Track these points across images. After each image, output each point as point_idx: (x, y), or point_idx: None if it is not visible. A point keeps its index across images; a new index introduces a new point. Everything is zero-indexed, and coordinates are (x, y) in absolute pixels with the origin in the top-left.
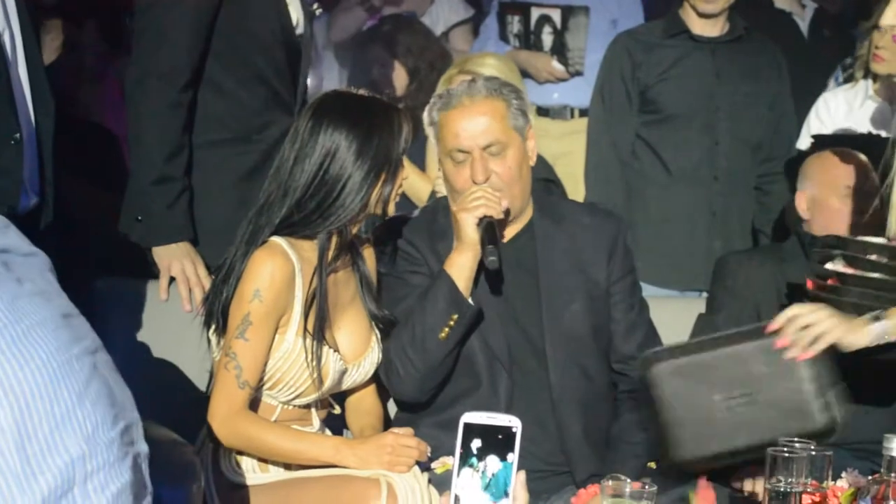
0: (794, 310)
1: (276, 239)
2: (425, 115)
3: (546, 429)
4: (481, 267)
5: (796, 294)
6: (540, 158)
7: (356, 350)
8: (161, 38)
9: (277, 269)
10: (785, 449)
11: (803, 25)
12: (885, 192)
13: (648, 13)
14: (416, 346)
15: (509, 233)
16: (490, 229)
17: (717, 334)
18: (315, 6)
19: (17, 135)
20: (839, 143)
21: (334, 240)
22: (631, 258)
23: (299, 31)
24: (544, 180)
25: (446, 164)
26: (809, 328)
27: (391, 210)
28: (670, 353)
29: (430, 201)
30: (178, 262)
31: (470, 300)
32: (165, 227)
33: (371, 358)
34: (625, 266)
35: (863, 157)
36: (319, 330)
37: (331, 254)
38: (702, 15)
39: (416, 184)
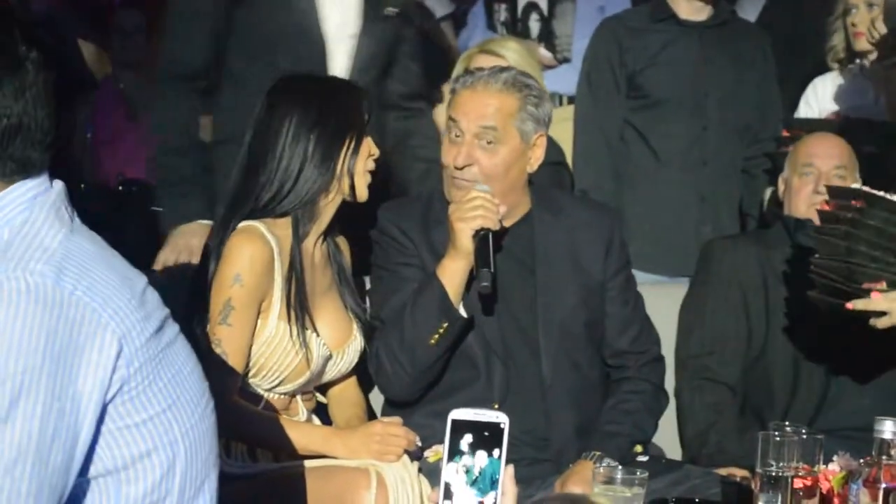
0: None
1: (252, 223)
2: (449, 88)
3: (537, 419)
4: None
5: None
6: (550, 140)
7: (338, 338)
8: (168, 36)
9: (257, 251)
10: (776, 433)
11: None
12: None
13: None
14: (406, 350)
15: (506, 223)
16: (485, 243)
17: None
18: (389, 9)
19: None
20: (809, 126)
21: (308, 214)
22: (626, 253)
23: (351, 29)
24: (554, 163)
25: (445, 135)
26: None
27: (362, 190)
28: None
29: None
30: (182, 237)
31: (461, 308)
32: (176, 216)
33: (354, 346)
34: (620, 261)
35: (837, 138)
36: (300, 304)
37: (304, 229)
38: None
39: None
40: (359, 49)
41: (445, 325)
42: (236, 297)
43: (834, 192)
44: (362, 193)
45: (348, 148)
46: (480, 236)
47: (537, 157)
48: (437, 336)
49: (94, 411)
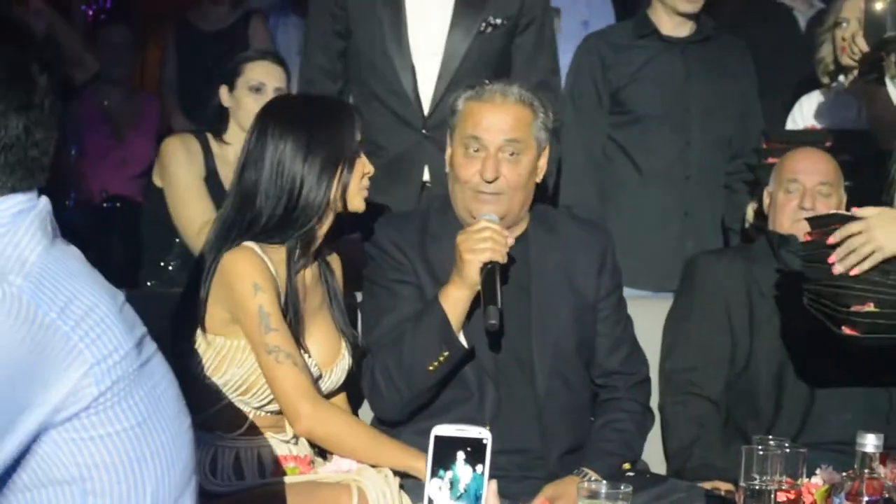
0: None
1: (247, 243)
2: (451, 103)
3: (531, 437)
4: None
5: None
6: None
7: (327, 357)
8: (306, 64)
9: (257, 262)
10: (759, 447)
11: (802, 21)
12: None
13: (620, 14)
14: (403, 374)
15: None
16: (492, 277)
17: None
18: (485, 24)
19: None
20: (789, 137)
21: (301, 244)
22: (619, 274)
23: (433, 47)
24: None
25: (457, 151)
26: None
27: (359, 205)
28: None
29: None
30: None
31: (462, 336)
32: None
33: (342, 365)
34: (613, 281)
35: (822, 154)
36: (293, 327)
37: (298, 262)
38: (682, 14)
39: None
40: (444, 66)
41: (446, 353)
42: (265, 302)
43: (815, 223)
44: (359, 206)
45: (341, 172)
46: (488, 269)
47: (542, 166)
48: (436, 363)
49: (29, 429)
